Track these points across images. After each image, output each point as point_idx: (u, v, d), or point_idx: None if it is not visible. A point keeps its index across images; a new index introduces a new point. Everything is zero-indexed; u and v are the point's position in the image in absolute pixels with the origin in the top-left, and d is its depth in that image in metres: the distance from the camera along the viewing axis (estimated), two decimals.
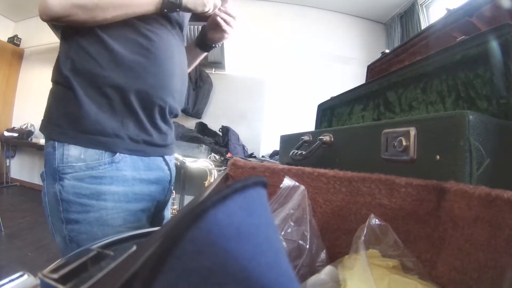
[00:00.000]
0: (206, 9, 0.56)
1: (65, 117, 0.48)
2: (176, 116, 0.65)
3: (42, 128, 0.51)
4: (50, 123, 0.49)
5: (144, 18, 0.52)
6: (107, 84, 0.49)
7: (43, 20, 0.49)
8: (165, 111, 0.57)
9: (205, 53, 0.74)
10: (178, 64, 0.59)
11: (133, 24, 0.52)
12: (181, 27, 0.65)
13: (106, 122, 0.48)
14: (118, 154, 0.49)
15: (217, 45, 0.71)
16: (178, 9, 0.53)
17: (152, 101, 0.53)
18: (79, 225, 0.45)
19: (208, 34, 0.69)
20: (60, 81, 0.50)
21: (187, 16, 0.68)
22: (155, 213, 0.60)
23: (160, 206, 0.62)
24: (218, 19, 0.62)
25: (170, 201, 0.70)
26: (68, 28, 0.52)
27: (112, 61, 0.49)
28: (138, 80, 0.51)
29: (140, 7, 0.49)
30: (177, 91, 0.59)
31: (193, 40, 0.74)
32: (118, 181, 0.48)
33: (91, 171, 0.47)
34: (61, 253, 0.48)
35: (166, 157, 0.61)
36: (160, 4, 0.51)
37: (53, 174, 0.47)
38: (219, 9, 0.63)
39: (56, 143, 0.47)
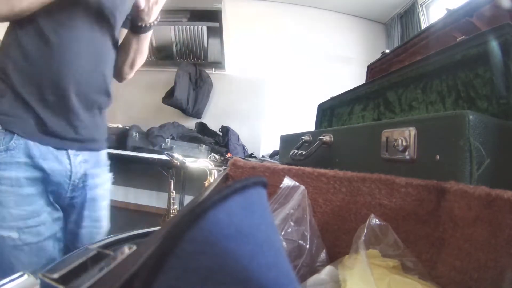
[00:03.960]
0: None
1: None
2: (100, 107, 0.67)
3: None
4: None
5: (59, 12, 0.55)
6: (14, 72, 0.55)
7: None
8: (70, 99, 0.58)
9: (139, 35, 0.69)
10: (85, 53, 0.60)
11: (40, 21, 0.55)
12: (110, 20, 0.64)
13: (13, 104, 0.55)
14: (13, 142, 0.53)
15: (143, 24, 0.66)
16: None
17: (52, 90, 0.57)
18: None
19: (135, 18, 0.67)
20: None
21: (121, 8, 0.67)
22: (64, 208, 0.63)
23: (65, 201, 0.63)
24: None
25: (101, 201, 0.70)
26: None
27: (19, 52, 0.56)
28: (36, 70, 0.56)
29: None
30: (84, 78, 0.60)
31: None
32: (11, 167, 0.53)
33: None
34: None
35: (70, 151, 0.61)
36: None
37: None
38: None
39: None
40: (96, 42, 0.63)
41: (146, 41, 0.72)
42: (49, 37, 0.56)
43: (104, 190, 0.71)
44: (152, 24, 0.67)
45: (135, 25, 0.66)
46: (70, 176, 0.62)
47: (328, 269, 0.25)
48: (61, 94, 0.58)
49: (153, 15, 0.64)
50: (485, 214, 0.20)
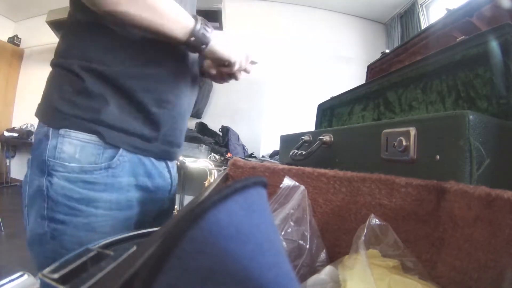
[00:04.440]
0: (232, 62, 0.51)
1: (69, 103, 0.44)
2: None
3: (38, 112, 0.47)
4: (49, 107, 0.46)
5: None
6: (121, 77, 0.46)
7: (92, 6, 0.42)
8: (179, 105, 0.53)
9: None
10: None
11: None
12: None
13: (116, 114, 0.45)
14: (116, 158, 0.45)
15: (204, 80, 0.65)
16: (202, 47, 0.47)
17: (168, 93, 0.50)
18: (64, 226, 0.43)
19: (205, 64, 0.61)
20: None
21: None
22: (155, 221, 0.56)
23: (160, 215, 0.57)
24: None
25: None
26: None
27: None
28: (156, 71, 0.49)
29: (169, 24, 0.43)
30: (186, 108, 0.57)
31: None
32: (112, 188, 0.45)
33: (84, 175, 0.43)
34: (29, 242, 0.45)
35: (169, 163, 0.56)
36: (188, 33, 0.44)
37: (40, 166, 0.43)
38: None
39: (51, 131, 0.43)
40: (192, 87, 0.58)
41: None
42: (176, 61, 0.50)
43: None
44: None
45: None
46: (170, 190, 0.57)
47: (328, 269, 0.25)
48: (175, 95, 0.52)
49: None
50: (485, 214, 0.20)
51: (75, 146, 0.43)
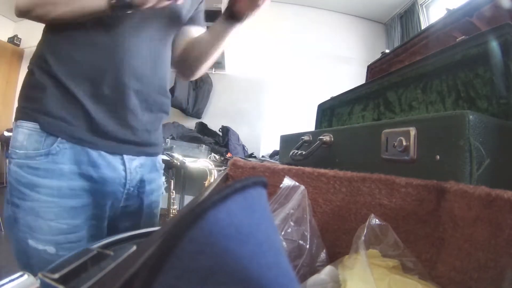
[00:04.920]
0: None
1: (23, 97, 0.50)
2: (160, 109, 0.59)
3: None
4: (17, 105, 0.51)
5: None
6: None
7: (17, 16, 0.51)
8: (129, 97, 0.51)
9: (234, 27, 0.59)
10: (146, 48, 0.54)
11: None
12: (177, 19, 0.58)
13: (57, 104, 0.48)
14: (55, 145, 0.47)
15: (245, 17, 0.57)
16: (129, 8, 0.46)
17: (109, 83, 0.49)
18: (18, 209, 0.47)
19: (235, 5, 0.56)
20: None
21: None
22: (115, 219, 0.56)
23: (117, 211, 0.56)
24: None
25: (155, 208, 0.63)
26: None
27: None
28: (91, 59, 0.49)
29: (88, 2, 0.45)
30: (145, 75, 0.54)
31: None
32: (53, 174, 0.46)
33: (29, 161, 0.46)
34: (6, 228, 0.49)
35: (125, 156, 0.54)
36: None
37: (8, 155, 0.49)
38: None
39: (14, 123, 0.49)
40: (156, 40, 0.55)
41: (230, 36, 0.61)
42: (109, 25, 0.49)
43: (158, 196, 0.65)
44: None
45: (236, 16, 0.56)
46: (125, 184, 0.54)
47: (328, 269, 0.25)
48: (120, 89, 0.50)
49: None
50: (485, 214, 0.20)
51: (24, 135, 0.48)
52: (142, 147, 0.57)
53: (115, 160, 0.53)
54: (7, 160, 0.50)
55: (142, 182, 0.58)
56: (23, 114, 0.49)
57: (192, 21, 0.68)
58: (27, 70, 0.53)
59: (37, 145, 0.47)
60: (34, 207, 0.46)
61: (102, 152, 0.51)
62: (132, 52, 0.51)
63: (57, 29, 0.51)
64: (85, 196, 0.50)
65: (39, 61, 0.50)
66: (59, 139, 0.47)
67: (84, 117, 0.49)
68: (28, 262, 0.47)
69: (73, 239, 0.48)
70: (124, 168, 0.54)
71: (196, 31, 0.69)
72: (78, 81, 0.49)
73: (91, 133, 0.50)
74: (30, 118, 0.48)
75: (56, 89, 0.48)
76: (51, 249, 0.47)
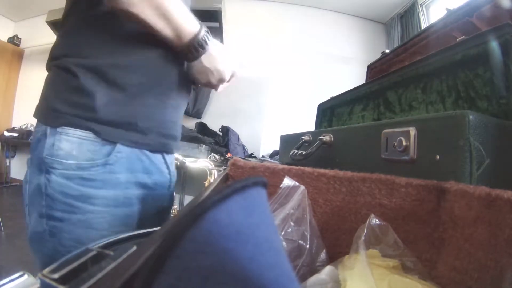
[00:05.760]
0: (222, 80, 0.52)
1: (65, 101, 0.45)
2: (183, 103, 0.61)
3: (36, 113, 0.48)
4: (46, 107, 0.46)
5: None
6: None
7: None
8: (169, 97, 0.52)
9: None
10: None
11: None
12: None
13: (112, 109, 0.46)
14: (113, 155, 0.45)
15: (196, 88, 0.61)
16: (194, 58, 0.48)
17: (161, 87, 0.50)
18: (61, 224, 0.43)
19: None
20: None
21: None
22: (155, 219, 0.56)
23: (161, 212, 0.57)
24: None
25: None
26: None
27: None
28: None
29: (174, 24, 0.44)
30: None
31: None
32: (110, 184, 0.45)
33: (82, 172, 0.43)
34: (30, 241, 0.45)
35: (166, 156, 0.55)
36: (189, 40, 0.46)
37: (39, 164, 0.43)
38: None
39: (49, 129, 0.44)
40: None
41: None
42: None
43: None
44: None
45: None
46: (169, 187, 0.57)
47: (328, 269, 0.25)
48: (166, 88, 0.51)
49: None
50: (485, 214, 0.20)
51: (72, 143, 0.43)
52: (176, 141, 0.58)
53: (161, 164, 0.54)
54: (41, 169, 0.44)
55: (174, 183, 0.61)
56: (69, 121, 0.44)
57: None
58: (54, 68, 0.48)
59: (91, 155, 0.44)
60: (87, 219, 0.44)
61: (149, 154, 0.51)
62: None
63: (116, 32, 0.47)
64: (138, 203, 0.50)
65: (81, 59, 0.46)
66: (117, 146, 0.46)
67: (142, 117, 0.48)
68: None
69: None
70: (169, 172, 0.56)
71: None
72: (134, 83, 0.47)
73: (145, 133, 0.49)
74: (81, 127, 0.44)
75: (111, 93, 0.46)
76: None
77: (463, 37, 0.38)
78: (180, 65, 0.55)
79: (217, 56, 0.51)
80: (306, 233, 0.29)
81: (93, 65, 0.45)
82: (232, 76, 0.57)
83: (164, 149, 0.54)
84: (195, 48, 0.47)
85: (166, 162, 0.55)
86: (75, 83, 0.44)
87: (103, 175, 0.44)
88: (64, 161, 0.43)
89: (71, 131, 0.44)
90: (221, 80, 0.54)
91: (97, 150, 0.44)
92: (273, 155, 2.46)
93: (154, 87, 0.50)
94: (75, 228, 0.43)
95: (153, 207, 0.54)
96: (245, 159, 1.39)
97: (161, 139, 0.53)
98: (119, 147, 0.46)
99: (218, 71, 0.52)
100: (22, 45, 3.57)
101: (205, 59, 0.49)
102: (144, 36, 0.47)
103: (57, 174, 0.42)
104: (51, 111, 0.45)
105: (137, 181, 0.49)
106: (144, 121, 0.49)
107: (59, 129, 0.44)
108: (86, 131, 0.44)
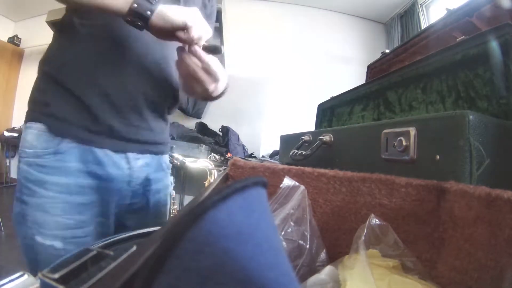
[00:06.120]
0: (189, 25, 0.43)
1: (32, 101, 0.53)
2: (168, 110, 0.62)
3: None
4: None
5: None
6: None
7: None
8: (136, 97, 0.53)
9: None
10: (152, 50, 0.54)
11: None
12: None
13: (63, 106, 0.50)
14: (63, 144, 0.49)
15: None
16: (147, 13, 0.43)
17: (114, 85, 0.51)
18: (26, 206, 0.49)
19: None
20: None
21: None
22: (121, 216, 0.57)
23: (123, 209, 0.57)
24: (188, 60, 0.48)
25: (169, 206, 0.66)
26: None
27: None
28: (97, 63, 0.51)
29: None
30: (154, 78, 0.55)
31: None
32: (61, 172, 0.49)
33: (37, 159, 0.49)
34: (14, 225, 0.51)
35: (130, 155, 0.55)
36: (128, 5, 0.43)
37: (18, 155, 0.51)
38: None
39: (23, 125, 0.52)
40: (164, 43, 0.53)
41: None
42: (114, 31, 0.50)
43: (165, 195, 0.66)
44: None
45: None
46: (129, 182, 0.56)
47: (328, 269, 0.25)
48: (126, 90, 0.52)
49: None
50: (485, 214, 0.20)
51: (33, 135, 0.49)
52: (146, 145, 0.58)
53: (119, 158, 0.54)
54: (18, 160, 0.51)
55: (147, 180, 0.60)
56: (33, 116, 0.51)
57: None
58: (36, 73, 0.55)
59: (46, 144, 0.49)
60: (42, 203, 0.48)
61: (108, 151, 0.52)
62: (138, 52, 0.53)
63: (66, 32, 0.53)
64: (92, 193, 0.52)
65: (45, 65, 0.54)
66: (67, 139, 0.49)
67: (89, 118, 0.51)
68: (35, 258, 0.49)
69: (80, 234, 0.50)
70: (129, 167, 0.56)
71: None
72: (82, 83, 0.51)
73: (96, 134, 0.51)
74: (39, 120, 0.50)
75: (61, 93, 0.50)
76: (58, 244, 0.48)
77: (463, 37, 0.38)
78: (143, 63, 0.53)
79: (175, 6, 0.46)
80: (306, 233, 0.29)
81: (48, 69, 0.53)
82: (206, 30, 0.47)
83: (121, 150, 0.54)
84: (140, 4, 0.43)
85: (127, 158, 0.55)
86: (38, 84, 0.54)
87: (54, 163, 0.49)
88: (27, 150, 0.50)
89: (34, 125, 0.50)
90: (196, 27, 0.45)
91: (50, 140, 0.49)
92: (273, 155, 2.46)
93: (101, 89, 0.51)
94: (34, 211, 0.48)
95: (111, 200, 0.55)
96: (245, 159, 1.39)
97: (116, 140, 0.53)
98: (68, 140, 0.50)
99: (185, 14, 0.44)
100: (22, 45, 3.56)
101: (164, 8, 0.44)
102: (95, 39, 0.51)
103: (23, 162, 0.50)
104: (27, 110, 0.53)
105: (87, 171, 0.51)
106: (91, 122, 0.51)
107: (27, 124, 0.51)
108: (42, 124, 0.50)
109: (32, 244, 0.48)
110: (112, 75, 0.51)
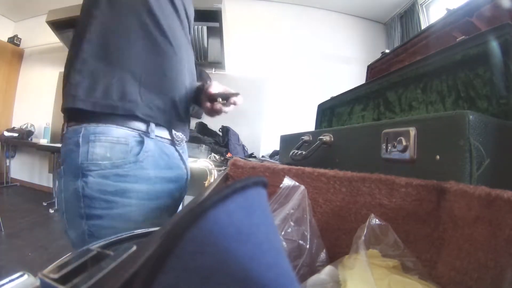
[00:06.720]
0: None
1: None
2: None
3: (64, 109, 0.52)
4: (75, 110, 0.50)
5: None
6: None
7: None
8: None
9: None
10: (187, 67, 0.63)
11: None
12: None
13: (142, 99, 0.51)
14: (142, 153, 0.50)
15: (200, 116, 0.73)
16: None
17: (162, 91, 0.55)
18: (101, 220, 0.47)
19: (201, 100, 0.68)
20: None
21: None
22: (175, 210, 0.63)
23: (178, 203, 0.64)
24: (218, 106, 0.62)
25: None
26: None
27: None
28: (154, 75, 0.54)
29: None
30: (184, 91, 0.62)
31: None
32: (142, 179, 0.50)
33: (117, 169, 0.48)
34: (73, 245, 0.50)
35: (180, 152, 0.61)
36: None
37: (75, 171, 0.47)
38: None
39: (80, 139, 0.47)
40: (190, 59, 0.64)
41: None
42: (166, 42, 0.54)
43: None
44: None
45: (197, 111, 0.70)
46: (187, 179, 0.64)
47: (328, 269, 0.25)
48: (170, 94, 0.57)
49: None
50: (485, 214, 0.20)
51: (105, 148, 0.48)
52: (185, 124, 0.65)
53: (177, 160, 0.60)
54: (76, 174, 0.48)
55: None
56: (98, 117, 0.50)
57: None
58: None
59: (123, 154, 0.49)
60: (125, 212, 0.48)
61: (170, 155, 0.57)
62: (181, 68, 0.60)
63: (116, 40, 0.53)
64: (167, 197, 0.56)
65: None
66: (144, 146, 0.51)
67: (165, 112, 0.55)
68: None
69: None
70: (185, 166, 0.64)
71: None
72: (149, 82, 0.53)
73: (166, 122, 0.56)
74: (106, 121, 0.50)
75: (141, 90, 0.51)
76: None
77: (463, 37, 0.38)
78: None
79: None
80: (306, 233, 0.29)
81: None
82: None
83: (165, 124, 0.57)
84: None
85: (181, 158, 0.62)
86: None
87: (135, 171, 0.49)
88: (100, 162, 0.48)
89: (103, 137, 0.50)
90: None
91: (128, 151, 0.49)
92: (273, 155, 2.46)
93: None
94: (114, 222, 0.47)
95: (178, 198, 0.61)
96: (245, 159, 1.39)
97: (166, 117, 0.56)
98: (146, 146, 0.51)
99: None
100: (22, 45, 3.56)
101: None
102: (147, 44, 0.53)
103: (94, 175, 0.48)
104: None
105: (162, 176, 0.55)
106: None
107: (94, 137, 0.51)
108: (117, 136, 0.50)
109: None
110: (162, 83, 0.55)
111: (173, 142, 0.59)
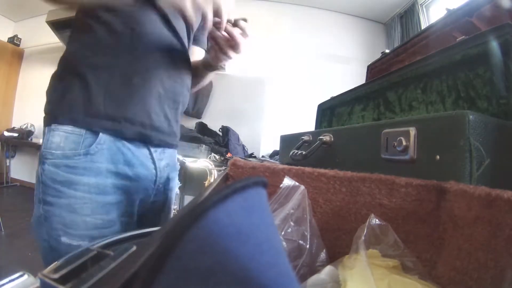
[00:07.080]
0: (187, 12, 0.45)
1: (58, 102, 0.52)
2: (183, 105, 0.64)
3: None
4: (46, 112, 0.53)
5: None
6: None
7: (45, 2, 0.49)
8: (154, 88, 0.55)
9: (211, 73, 0.70)
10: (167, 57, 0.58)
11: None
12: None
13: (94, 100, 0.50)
14: (94, 146, 0.49)
15: (221, 66, 0.67)
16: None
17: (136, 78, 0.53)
18: (52, 207, 0.48)
19: (210, 52, 0.63)
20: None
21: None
22: (142, 214, 0.59)
23: (146, 206, 0.59)
24: (218, 34, 0.56)
25: (172, 204, 0.68)
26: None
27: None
28: (119, 62, 0.52)
29: None
30: (169, 83, 0.58)
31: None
32: (91, 172, 0.49)
33: (66, 160, 0.48)
34: (33, 228, 0.51)
35: (153, 152, 0.57)
36: None
37: (39, 157, 0.50)
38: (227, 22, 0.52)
39: (46, 128, 0.51)
40: (178, 49, 0.60)
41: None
42: (133, 30, 0.52)
43: (174, 194, 0.69)
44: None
45: (211, 65, 0.65)
46: (155, 181, 0.59)
47: (328, 269, 0.25)
48: (147, 82, 0.54)
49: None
50: (485, 214, 0.20)
51: (60, 137, 0.49)
52: (164, 135, 0.59)
53: (143, 156, 0.56)
54: (40, 161, 0.51)
55: (168, 180, 0.64)
56: (57, 118, 0.51)
57: (195, 41, 0.73)
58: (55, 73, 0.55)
59: (75, 145, 0.49)
60: (71, 204, 0.48)
61: (131, 147, 0.54)
62: (156, 58, 0.56)
63: (84, 31, 0.53)
64: (119, 193, 0.53)
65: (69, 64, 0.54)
66: (99, 138, 0.50)
67: (109, 106, 0.52)
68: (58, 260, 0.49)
69: (107, 233, 0.50)
70: (154, 167, 0.58)
71: (198, 52, 0.75)
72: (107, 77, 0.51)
73: (123, 121, 0.52)
74: (65, 122, 0.50)
75: (83, 90, 0.51)
76: (85, 244, 0.49)
77: (463, 37, 0.38)
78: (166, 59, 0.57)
79: None
80: (306, 233, 0.29)
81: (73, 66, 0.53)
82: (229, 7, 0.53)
83: (142, 139, 0.55)
84: None
85: (152, 157, 0.58)
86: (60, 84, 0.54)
87: (85, 163, 0.49)
88: (54, 151, 0.49)
89: (60, 127, 0.50)
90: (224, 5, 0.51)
91: (80, 142, 0.49)
92: (273, 155, 2.46)
93: (126, 79, 0.52)
94: (61, 211, 0.48)
95: (136, 199, 0.57)
96: (245, 159, 1.39)
97: (138, 128, 0.54)
98: (100, 138, 0.50)
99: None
100: (22, 45, 3.57)
101: None
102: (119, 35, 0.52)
103: (48, 163, 0.49)
104: (48, 112, 0.53)
105: (117, 172, 0.52)
106: (114, 109, 0.51)
107: (53, 126, 0.51)
108: (70, 126, 0.50)
109: (56, 246, 0.48)
110: (132, 72, 0.53)
111: (144, 142, 0.56)
